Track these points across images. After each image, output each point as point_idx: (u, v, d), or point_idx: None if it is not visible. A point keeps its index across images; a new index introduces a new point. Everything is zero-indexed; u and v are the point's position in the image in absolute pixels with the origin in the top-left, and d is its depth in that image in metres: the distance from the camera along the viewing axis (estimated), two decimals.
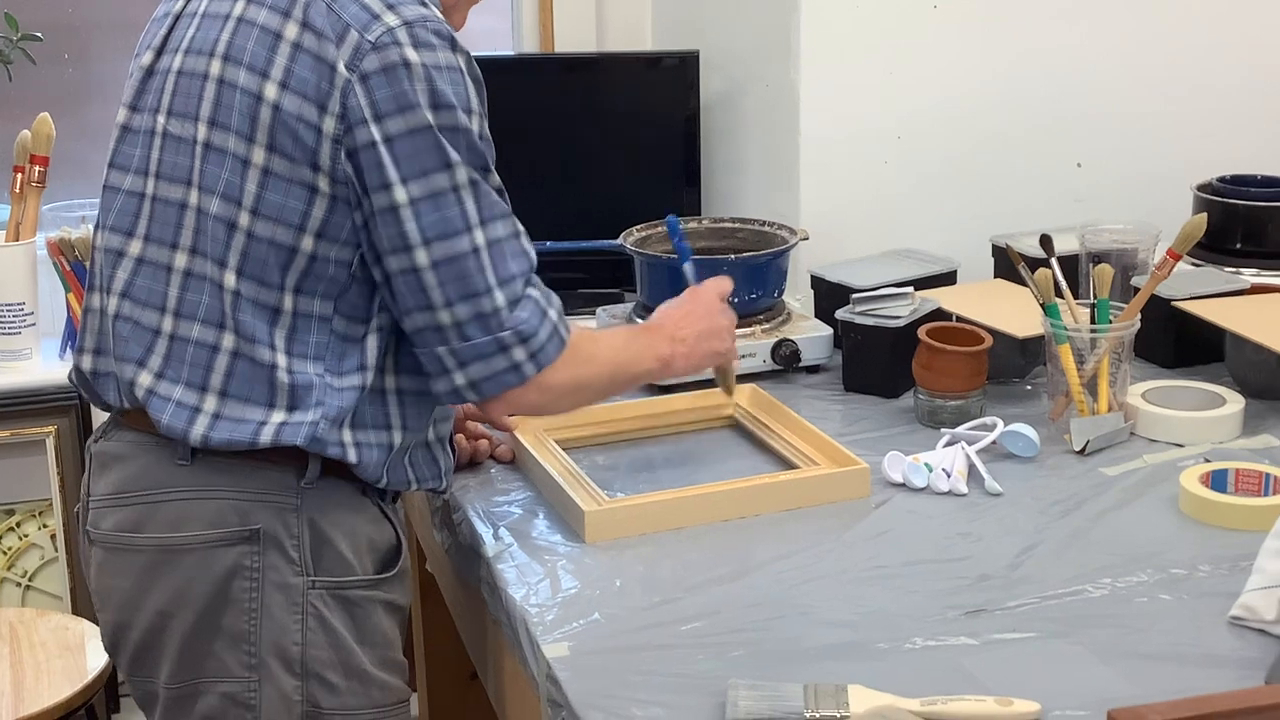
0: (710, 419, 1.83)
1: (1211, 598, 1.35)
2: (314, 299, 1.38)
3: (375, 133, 1.33)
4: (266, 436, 1.37)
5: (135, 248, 1.43)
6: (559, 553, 1.50)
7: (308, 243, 1.36)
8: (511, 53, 2.63)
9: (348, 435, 1.40)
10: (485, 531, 1.55)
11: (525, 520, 1.57)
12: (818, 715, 1.16)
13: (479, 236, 1.36)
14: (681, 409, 1.83)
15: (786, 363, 1.94)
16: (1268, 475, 1.55)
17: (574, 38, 2.59)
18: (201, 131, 1.39)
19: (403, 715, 1.49)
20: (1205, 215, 1.80)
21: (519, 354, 1.38)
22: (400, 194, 1.33)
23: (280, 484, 1.40)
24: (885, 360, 1.86)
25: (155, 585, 1.40)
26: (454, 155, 1.34)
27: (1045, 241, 1.83)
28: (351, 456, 1.40)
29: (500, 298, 1.37)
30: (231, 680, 1.40)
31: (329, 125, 1.33)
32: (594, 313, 2.12)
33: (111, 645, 1.47)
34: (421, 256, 1.34)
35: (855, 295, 1.91)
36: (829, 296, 2.03)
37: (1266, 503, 1.48)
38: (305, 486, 1.40)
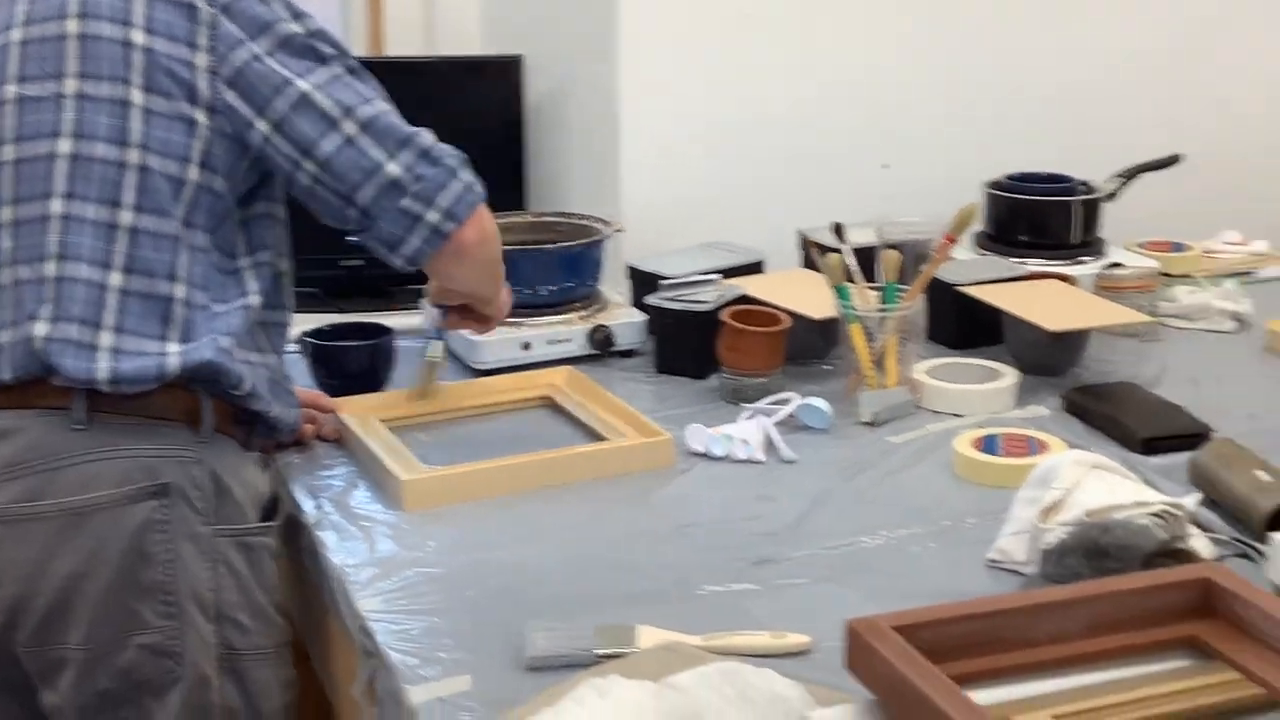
0: (529, 399, 1.93)
1: (974, 545, 1.48)
2: (198, 231, 1.49)
3: (254, 48, 1.47)
4: (173, 366, 1.45)
5: (6, 214, 1.48)
6: (377, 520, 1.58)
7: (194, 173, 1.48)
8: None
9: (239, 355, 1.50)
10: (307, 502, 1.63)
11: (346, 492, 1.66)
12: (607, 651, 1.26)
13: (378, 104, 1.51)
14: (501, 390, 1.92)
15: (602, 347, 2.04)
16: (1032, 439, 1.70)
17: (403, 40, 2.68)
18: (71, 86, 1.47)
19: (289, 652, 1.59)
20: (976, 203, 1.95)
21: (468, 174, 1.54)
22: (303, 84, 1.48)
23: (178, 439, 1.48)
24: (693, 343, 1.98)
25: (63, 550, 1.44)
26: (328, 51, 1.51)
27: (837, 229, 1.96)
28: (247, 380, 1.50)
29: (426, 136, 1.52)
30: (152, 631, 1.46)
31: (201, 60, 1.47)
32: (419, 305, 2.21)
33: (8, 621, 1.47)
34: (350, 126, 1.48)
35: (664, 282, 2.03)
36: (644, 286, 2.14)
37: (1029, 462, 1.62)
38: (201, 441, 1.49)
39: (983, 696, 1.00)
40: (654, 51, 2.41)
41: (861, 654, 1.01)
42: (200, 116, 1.47)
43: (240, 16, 1.47)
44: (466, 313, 1.78)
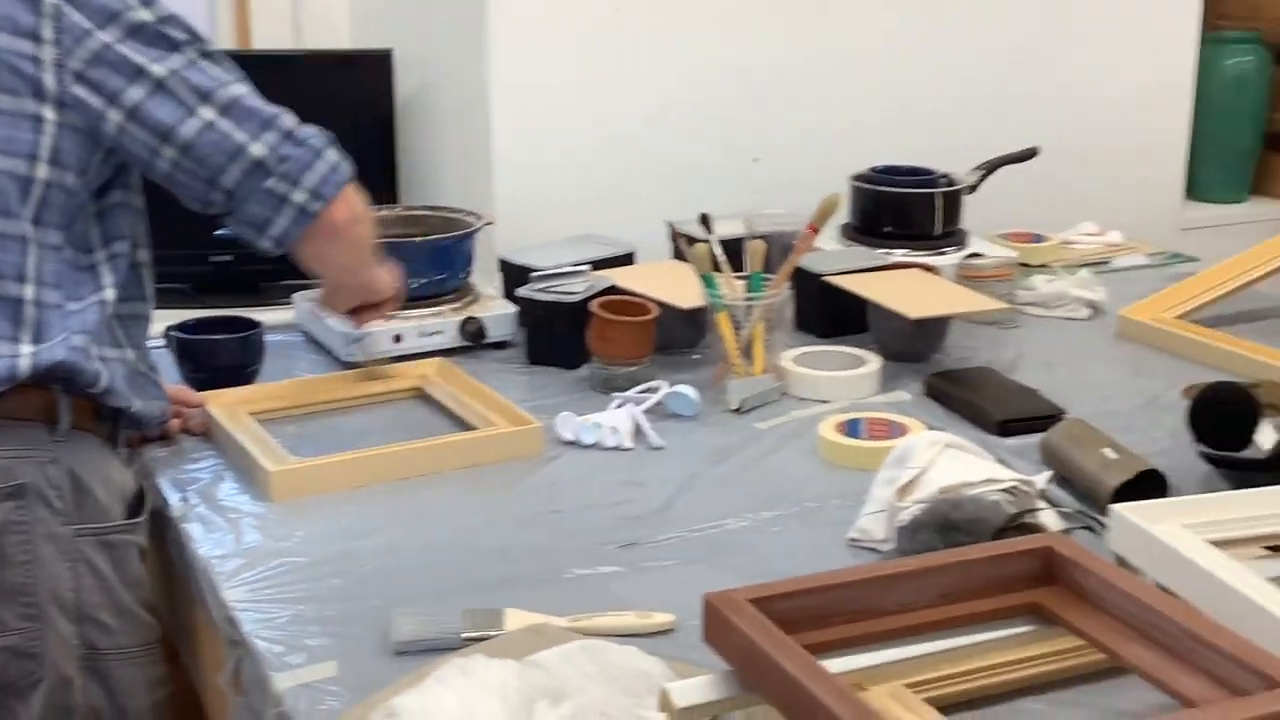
0: (399, 391, 1.93)
1: (837, 526, 1.52)
2: (49, 229, 1.46)
3: (103, 38, 1.44)
4: (24, 367, 1.43)
5: None
6: (245, 511, 1.57)
7: (43, 170, 1.45)
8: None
9: (95, 352, 1.48)
10: (173, 495, 1.62)
11: (213, 484, 1.64)
12: (474, 635, 1.27)
13: (237, 88, 1.50)
14: (378, 381, 1.92)
15: (473, 338, 2.05)
16: (894, 423, 1.74)
17: (271, 34, 2.66)
18: None
19: (159, 650, 1.57)
20: (838, 194, 1.99)
21: (333, 154, 1.53)
22: (157, 70, 1.45)
23: (34, 439, 1.46)
24: (564, 333, 1.99)
25: None
26: (180, 37, 1.48)
27: (704, 220, 1.99)
28: (104, 377, 1.48)
29: (289, 118, 1.52)
30: (11, 633, 1.44)
31: (47, 53, 1.43)
32: (290, 300, 2.20)
33: None
34: (209, 110, 1.47)
35: (535, 274, 2.04)
36: (515, 278, 2.15)
37: (891, 444, 1.65)
38: (58, 440, 1.47)
39: (836, 664, 1.03)
40: (524, 46, 2.42)
41: (718, 626, 1.03)
42: (48, 113, 1.44)
43: (86, 6, 1.44)
44: (364, 310, 1.78)
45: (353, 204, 1.56)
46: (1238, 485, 1.28)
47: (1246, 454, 1.30)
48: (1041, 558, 1.12)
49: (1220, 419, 1.31)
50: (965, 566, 1.11)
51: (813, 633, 1.05)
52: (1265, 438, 1.30)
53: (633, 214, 2.47)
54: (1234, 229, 3.18)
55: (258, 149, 1.48)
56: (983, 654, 1.11)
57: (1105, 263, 2.47)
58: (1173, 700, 0.97)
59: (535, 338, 2.04)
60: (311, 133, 1.52)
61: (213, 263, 2.35)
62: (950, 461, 1.43)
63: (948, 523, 1.31)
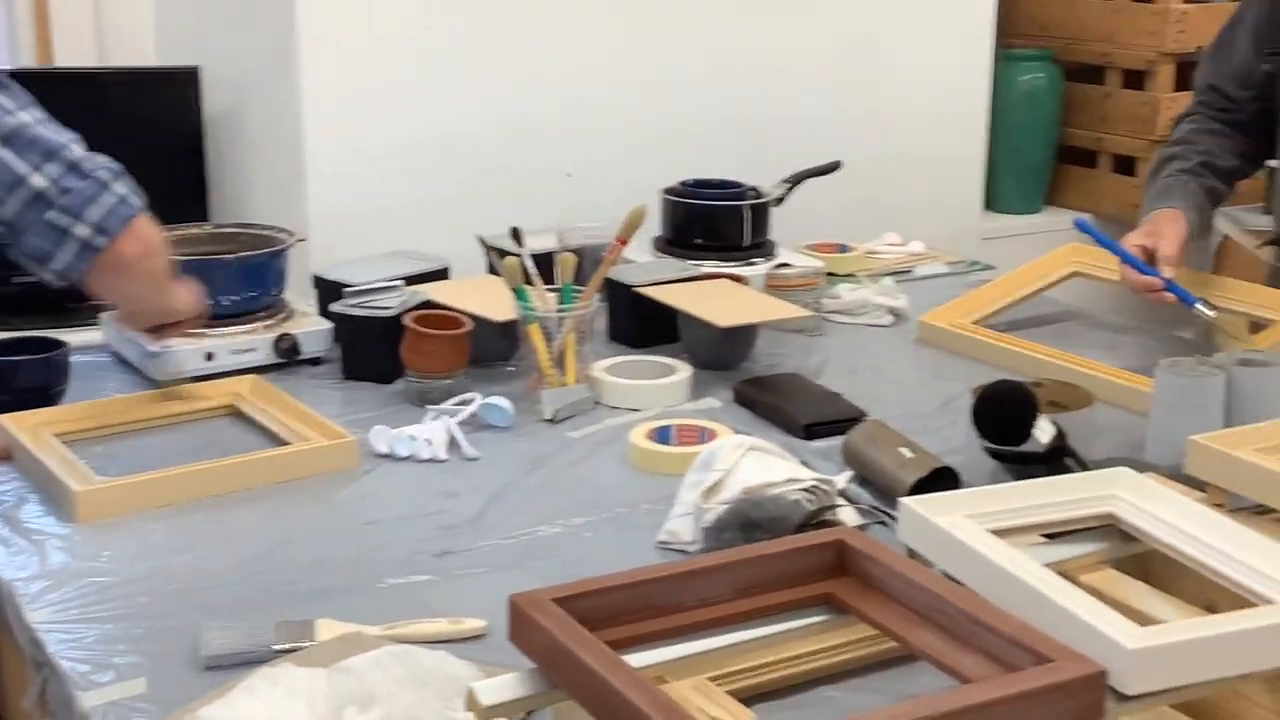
0: (212, 409, 1.91)
1: (647, 529, 1.56)
2: None
3: None
4: None
5: None
6: (50, 533, 1.55)
7: None
8: (6, 66, 2.62)
9: None
10: None
11: (16, 506, 1.62)
12: (285, 647, 1.28)
13: (23, 116, 1.47)
14: (184, 400, 1.90)
15: (287, 355, 2.04)
16: (704, 429, 1.78)
17: (74, 51, 2.61)
18: None
19: None
20: (645, 206, 2.03)
21: (122, 187, 1.50)
22: None
23: None
24: (379, 348, 2.00)
25: None
26: None
27: (515, 233, 2.02)
28: None
29: (76, 149, 1.49)
30: None
31: None
32: (97, 321, 2.17)
33: None
34: None
35: (348, 290, 2.04)
36: (330, 294, 2.15)
37: (691, 450, 1.70)
38: None
39: (638, 659, 1.06)
40: (335, 63, 2.42)
41: (523, 626, 1.06)
42: None
43: None
44: (164, 328, 1.76)
45: (144, 237, 1.54)
46: (1018, 478, 1.34)
47: (1026, 448, 1.37)
48: (834, 550, 1.16)
49: (1001, 416, 1.38)
50: (761, 561, 1.15)
51: (615, 629, 1.08)
52: (1043, 432, 1.37)
53: (447, 229, 2.48)
54: (1030, 238, 3.32)
55: (38, 180, 1.45)
56: (781, 645, 1.15)
57: (908, 271, 2.56)
58: (954, 680, 1.03)
59: (350, 353, 2.04)
60: (101, 164, 1.50)
61: (16, 284, 2.30)
62: (753, 463, 1.48)
63: (749, 521, 1.36)
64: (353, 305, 2.03)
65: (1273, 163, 2.20)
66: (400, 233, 2.44)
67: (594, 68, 2.68)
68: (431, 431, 1.79)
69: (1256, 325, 2.15)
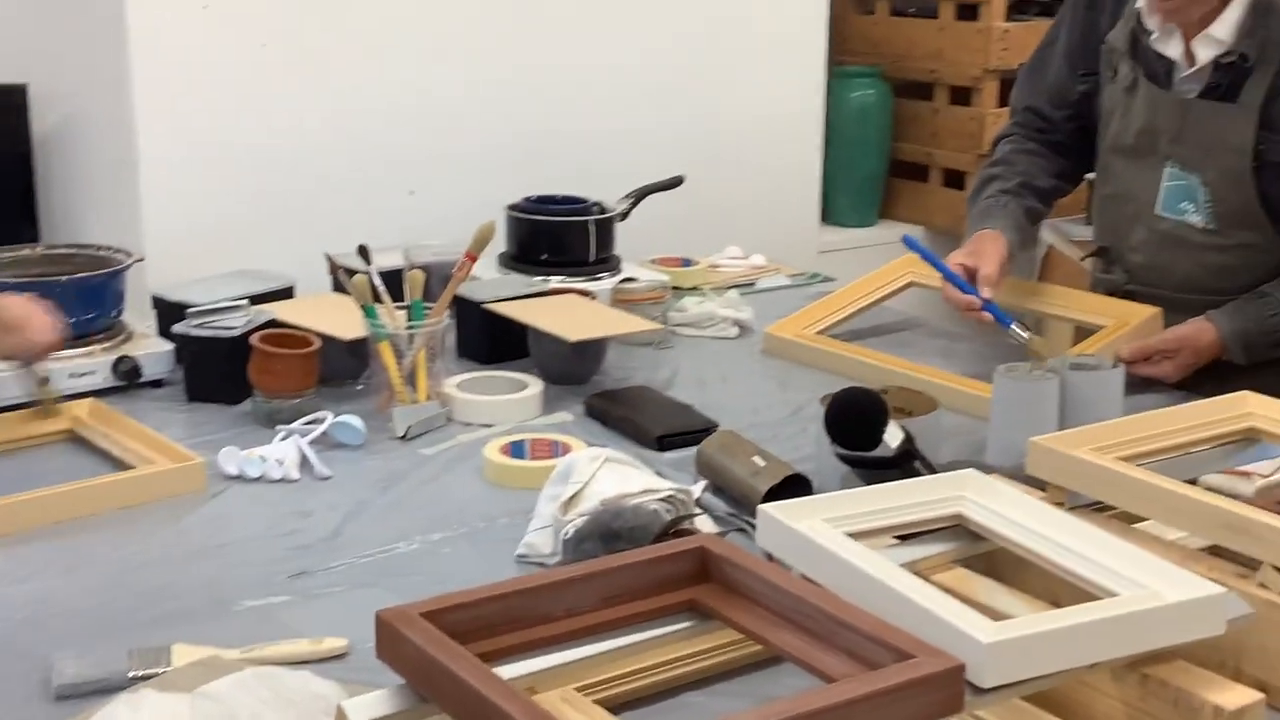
0: (50, 434, 1.86)
1: (505, 543, 1.56)
2: None
3: None
4: None
5: None
6: None
7: None
8: None
9: None
10: None
11: None
12: (141, 673, 1.25)
13: None
14: (19, 427, 1.85)
15: (128, 378, 2.00)
16: (557, 442, 1.79)
17: None
18: None
19: None
20: (493, 222, 2.04)
21: None
22: None
23: None
24: (224, 369, 1.97)
25: None
26: None
27: (363, 251, 2.01)
28: None
29: None
30: None
31: None
32: None
33: None
34: None
35: (190, 310, 2.01)
36: (171, 315, 2.10)
37: (554, 463, 1.71)
38: None
39: (508, 671, 1.06)
40: (170, 82, 2.39)
41: (391, 642, 1.06)
42: None
43: None
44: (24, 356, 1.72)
45: None
46: (869, 482, 1.38)
47: (877, 453, 1.41)
48: (696, 557, 1.18)
49: (853, 422, 1.41)
50: (626, 570, 1.17)
51: (485, 642, 1.08)
52: (892, 437, 1.41)
53: (289, 247, 2.46)
54: (865, 250, 3.41)
55: None
56: (647, 652, 1.16)
57: (751, 284, 2.60)
58: (818, 680, 1.05)
59: (194, 374, 2.00)
60: None
61: None
62: (610, 475, 1.49)
63: (609, 532, 1.37)
64: (196, 326, 1.99)
65: (1091, 175, 2.29)
66: (241, 252, 2.41)
67: (435, 84, 2.68)
68: (282, 451, 1.77)
69: (1082, 331, 2.24)
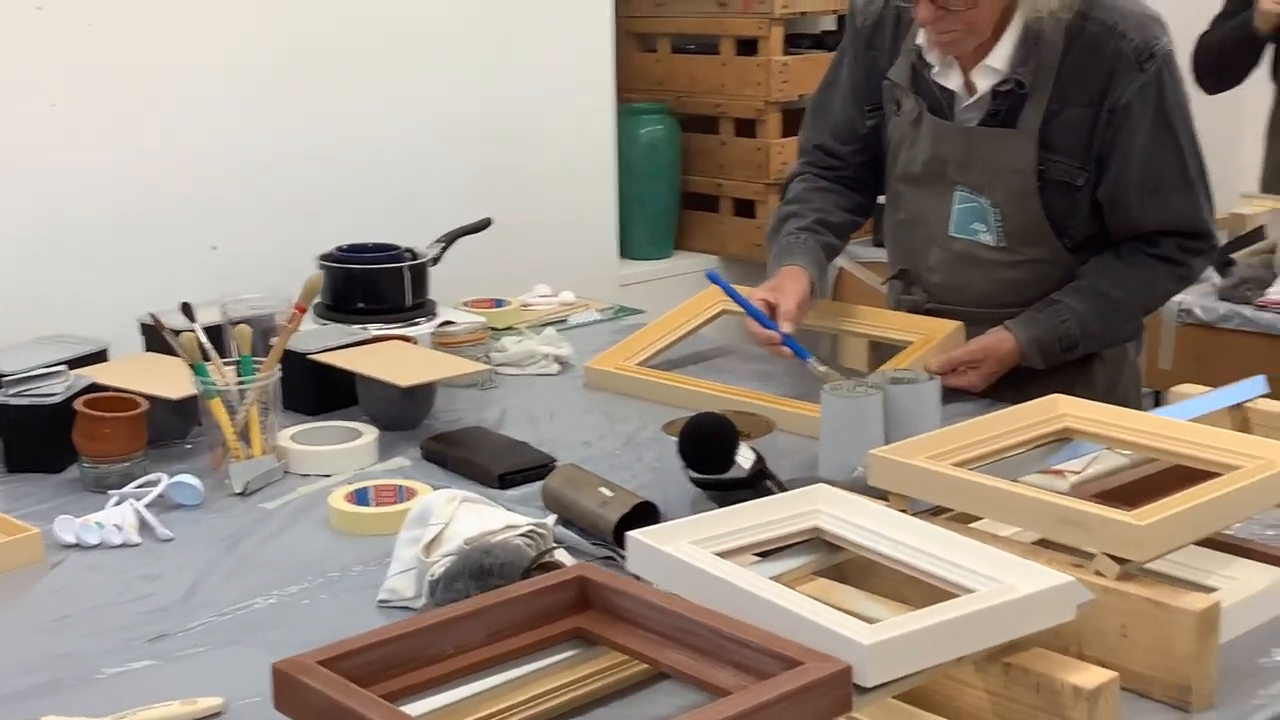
0: None
1: (364, 590, 1.57)
2: None
3: None
4: None
5: None
6: None
7: None
8: None
9: None
10: None
11: None
12: None
13: None
14: None
15: None
16: (400, 487, 1.80)
17: None
18: None
19: None
20: (323, 273, 2.04)
21: None
22: None
23: None
24: (46, 436, 1.92)
25: None
26: None
27: (186, 309, 1.99)
28: None
29: None
30: None
31: None
32: None
33: None
34: None
35: (6, 378, 1.96)
36: None
37: (402, 507, 1.73)
38: None
39: (410, 710, 1.09)
40: None
41: (291, 692, 1.06)
42: None
43: None
44: None
45: None
46: (724, 503, 1.43)
47: (731, 475, 1.47)
48: (577, 586, 1.22)
49: (706, 446, 1.47)
50: (510, 604, 1.20)
51: (382, 684, 1.10)
52: (744, 459, 1.47)
53: (97, 310, 2.41)
54: (665, 281, 3.50)
55: None
56: (535, 682, 1.20)
57: (564, 321, 2.65)
58: (709, 695, 1.10)
59: (14, 444, 1.95)
60: None
61: None
62: (470, 514, 1.51)
63: (481, 569, 1.39)
64: (14, 395, 1.94)
65: (881, 199, 2.40)
66: (45, 317, 2.35)
67: (235, 138, 2.66)
68: (119, 516, 1.74)
69: (878, 348, 2.34)
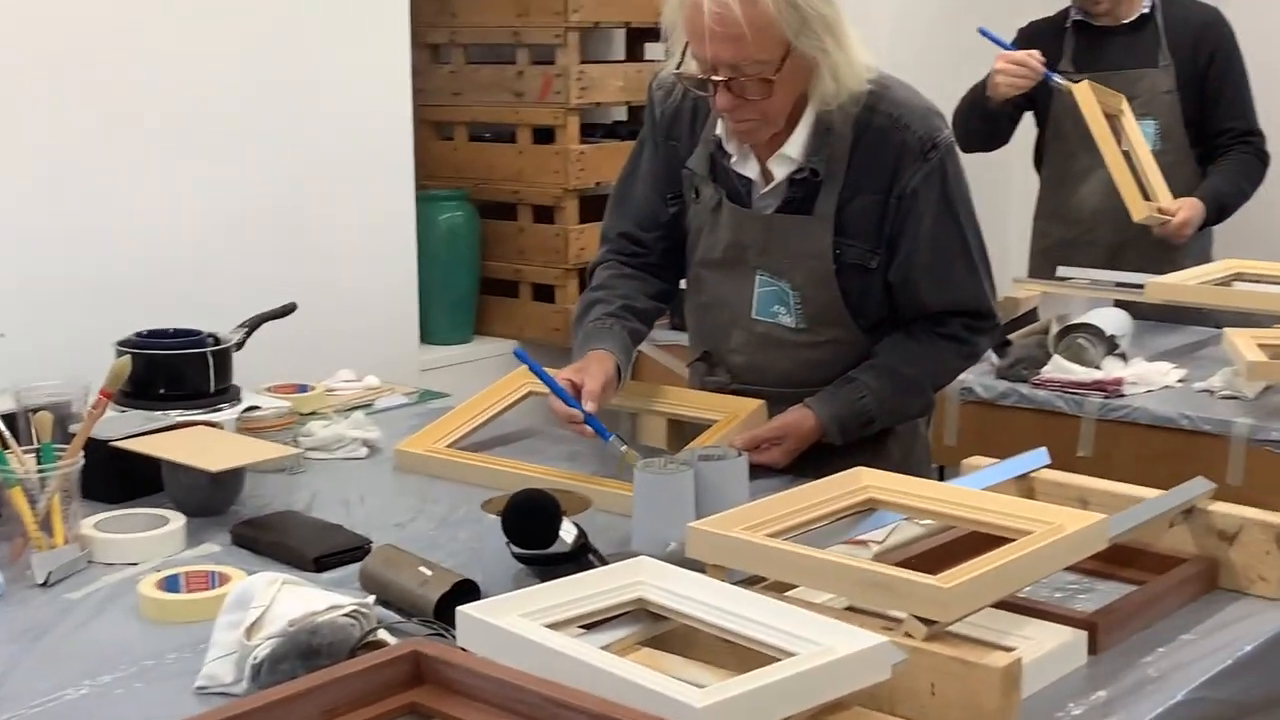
0: None
1: (180, 678, 1.54)
2: None
3: None
4: None
5: None
6: None
7: None
8: None
9: None
10: None
11: None
12: None
13: None
14: None
15: None
16: (213, 573, 1.78)
17: None
18: None
19: None
20: (130, 357, 2.01)
21: None
22: None
23: None
24: None
25: None
26: None
27: None
28: None
29: None
30: None
31: None
32: None
33: None
34: None
35: None
36: None
37: (216, 593, 1.71)
38: None
39: None
40: None
41: None
42: None
43: None
44: None
45: None
46: (547, 578, 1.46)
47: (555, 549, 1.50)
48: (411, 661, 1.23)
49: (531, 522, 1.50)
50: (343, 681, 1.21)
51: None
52: (567, 533, 1.51)
53: None
54: (465, 366, 3.52)
55: None
56: None
57: (370, 405, 2.65)
58: None
59: None
60: None
61: None
62: (291, 596, 1.51)
63: (309, 649, 1.39)
64: None
65: (683, 284, 2.47)
66: None
67: (19, 223, 2.60)
68: None
69: (676, 427, 2.40)
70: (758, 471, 2.15)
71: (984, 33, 3.31)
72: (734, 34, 2.02)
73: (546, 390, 2.19)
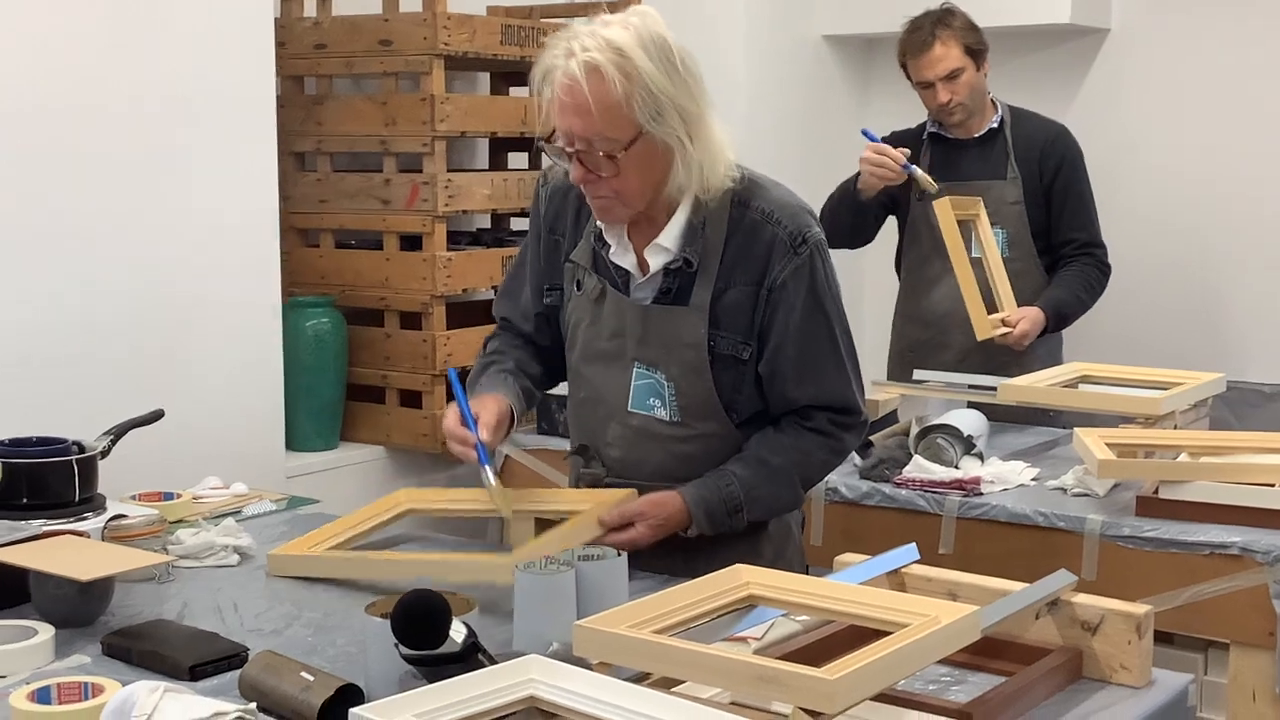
0: None
1: None
2: None
3: None
4: None
5: None
6: None
7: None
8: None
9: None
10: None
11: None
12: None
13: None
14: None
15: None
16: (85, 684, 1.74)
17: None
18: None
19: None
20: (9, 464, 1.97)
21: None
22: None
23: None
24: None
25: None
26: None
27: None
28: None
29: None
30: None
31: None
32: None
33: None
34: None
35: None
36: None
37: (92, 704, 1.67)
38: None
39: None
40: None
41: None
42: None
43: None
44: None
45: None
46: (435, 678, 1.46)
47: (444, 649, 1.50)
48: None
49: (420, 623, 1.50)
50: None
51: None
52: (457, 633, 1.51)
53: None
54: (331, 473, 3.49)
55: None
56: None
57: (238, 512, 2.62)
58: None
59: None
60: None
61: None
62: (173, 703, 1.49)
63: None
64: None
65: (558, 390, 2.50)
66: None
67: None
68: None
69: (545, 522, 2.41)
70: (635, 571, 2.17)
71: (865, 134, 3.47)
72: (582, 107, 2.09)
73: (427, 506, 2.21)
